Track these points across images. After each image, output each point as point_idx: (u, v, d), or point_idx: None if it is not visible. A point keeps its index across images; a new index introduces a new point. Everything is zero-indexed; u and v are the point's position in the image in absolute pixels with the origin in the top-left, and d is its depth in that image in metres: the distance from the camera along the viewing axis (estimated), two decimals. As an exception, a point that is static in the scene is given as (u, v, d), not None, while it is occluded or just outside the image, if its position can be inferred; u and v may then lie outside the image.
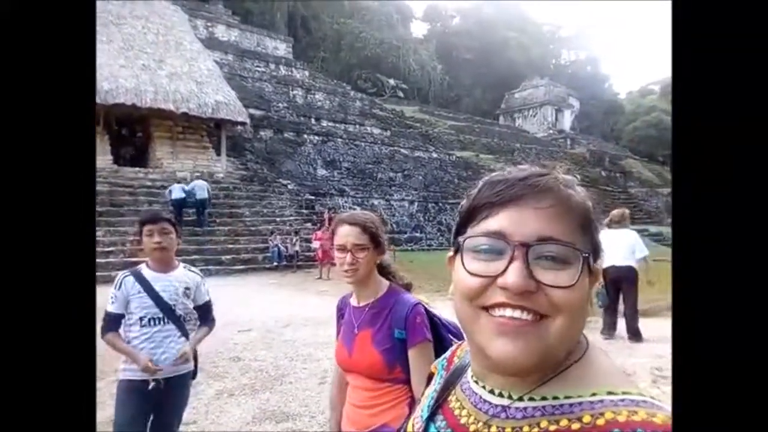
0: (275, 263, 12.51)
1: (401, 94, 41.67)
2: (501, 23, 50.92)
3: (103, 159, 14.23)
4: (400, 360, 1.40)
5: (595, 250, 0.61)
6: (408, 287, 1.57)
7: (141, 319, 2.20)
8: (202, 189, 12.64)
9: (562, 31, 60.05)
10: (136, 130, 15.90)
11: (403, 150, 23.87)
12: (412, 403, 1.37)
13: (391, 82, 41.73)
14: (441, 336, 1.45)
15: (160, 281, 2.23)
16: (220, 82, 16.98)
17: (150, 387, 2.15)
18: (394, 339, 1.40)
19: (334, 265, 10.24)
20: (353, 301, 1.56)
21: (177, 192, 12.33)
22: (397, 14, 47.76)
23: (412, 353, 1.39)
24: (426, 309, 1.46)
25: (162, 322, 2.22)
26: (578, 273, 0.55)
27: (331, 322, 6.69)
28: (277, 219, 14.59)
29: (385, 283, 1.53)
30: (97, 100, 13.47)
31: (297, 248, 12.98)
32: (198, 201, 12.55)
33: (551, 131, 40.35)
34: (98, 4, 17.27)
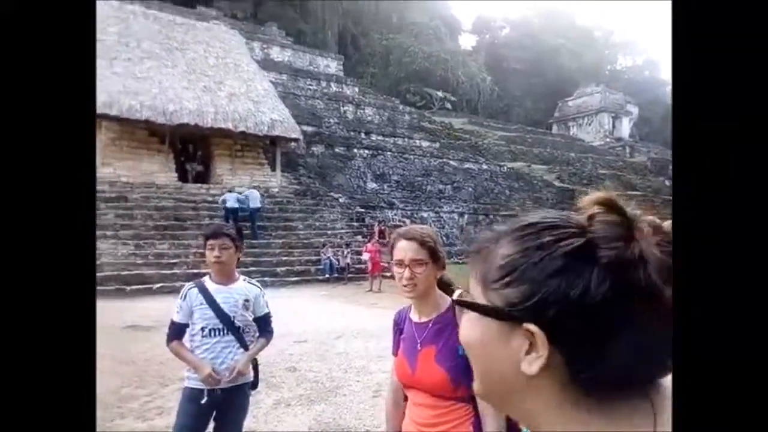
0: (327, 275, 12.73)
1: (450, 107, 41.54)
2: (551, 31, 49.78)
3: (169, 176, 15.16)
4: (465, 378, 1.37)
5: None
6: None
7: (203, 329, 2.29)
8: (255, 198, 13.28)
9: (615, 36, 57.76)
10: (198, 149, 16.84)
11: (452, 162, 23.72)
12: (477, 423, 1.34)
13: (440, 94, 41.74)
14: None
15: (221, 293, 2.31)
16: (275, 101, 17.70)
17: (203, 401, 2.21)
18: (458, 356, 1.37)
19: (384, 277, 10.15)
20: (413, 316, 1.55)
21: (231, 201, 12.97)
22: (446, 28, 47.87)
23: None
24: None
25: (222, 333, 2.29)
26: None
27: (382, 335, 6.69)
28: (329, 232, 14.88)
29: (447, 298, 1.50)
30: (163, 121, 14.44)
31: (348, 260, 13.15)
32: (251, 209, 13.17)
33: (608, 139, 38.68)
34: (165, 31, 18.60)
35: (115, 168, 14.23)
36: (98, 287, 9.93)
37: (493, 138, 32.69)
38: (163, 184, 14.51)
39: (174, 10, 23.41)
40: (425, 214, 20.55)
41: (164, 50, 17.56)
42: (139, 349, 5.92)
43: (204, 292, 2.30)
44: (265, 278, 10.84)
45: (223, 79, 17.45)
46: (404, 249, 1.45)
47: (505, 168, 25.61)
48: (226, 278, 2.36)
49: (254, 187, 14.38)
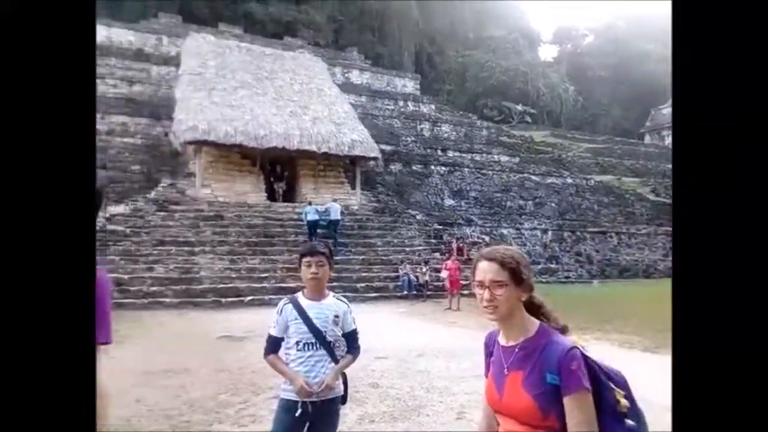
0: (405, 292, 12.78)
1: (530, 120, 40.28)
2: (638, 36, 46.60)
3: (259, 196, 16.24)
4: (554, 407, 1.32)
5: None
6: (564, 330, 1.48)
7: (297, 343, 2.38)
8: (335, 210, 14.14)
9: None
10: (285, 170, 17.89)
11: (533, 177, 22.88)
12: None
13: (519, 108, 40.67)
14: (600, 384, 1.34)
15: (313, 308, 2.41)
16: (355, 122, 18.36)
17: (297, 413, 2.30)
18: (547, 384, 1.33)
19: (463, 295, 9.93)
20: (501, 339, 1.52)
21: (312, 214, 13.89)
22: (524, 40, 46.79)
23: (567, 402, 1.30)
24: (583, 354, 1.37)
25: (314, 347, 2.38)
26: None
27: (463, 355, 6.52)
28: (407, 249, 14.97)
29: (536, 322, 1.45)
30: (254, 145, 15.55)
31: (427, 278, 13.11)
32: (331, 221, 14.02)
33: (712, 148, 35.03)
34: (256, 62, 20.14)
35: (213, 189, 15.53)
36: (197, 299, 10.83)
37: (578, 150, 31.09)
38: (254, 203, 15.56)
39: (264, 42, 25.34)
40: (505, 231, 19.94)
41: (255, 79, 19.01)
42: (233, 358, 6.33)
43: (298, 307, 2.41)
44: (346, 294, 11.15)
45: (308, 103, 18.47)
46: (484, 270, 1.43)
47: (593, 182, 24.17)
48: (318, 294, 2.46)
49: (334, 200, 15.12)
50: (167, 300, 10.54)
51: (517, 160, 24.13)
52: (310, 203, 14.63)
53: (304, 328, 2.38)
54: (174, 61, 20.41)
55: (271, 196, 16.73)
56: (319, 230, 13.98)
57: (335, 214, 14.08)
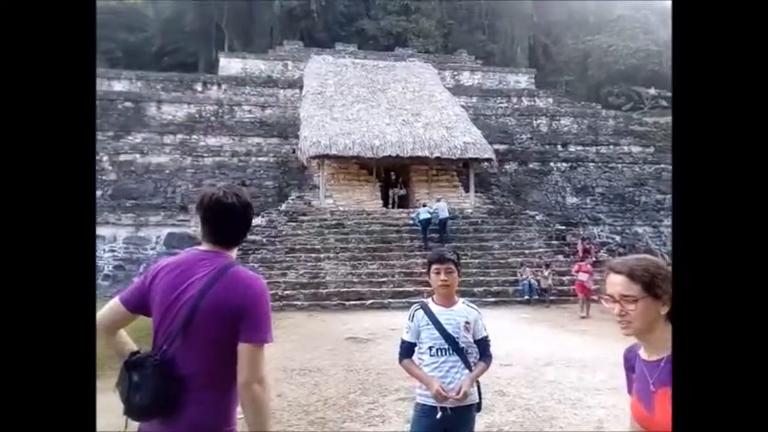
0: (526, 297, 12.24)
1: (665, 103, 35.79)
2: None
3: (375, 203, 16.93)
4: None
5: None
6: None
7: (430, 348, 2.44)
8: (443, 210, 14.48)
9: None
10: (399, 176, 18.39)
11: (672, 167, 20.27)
12: None
13: (651, 92, 36.36)
14: None
15: (444, 314, 2.45)
16: (467, 125, 18.18)
17: (438, 416, 2.34)
18: None
19: (594, 301, 9.21)
20: (643, 354, 1.42)
21: (423, 214, 14.33)
22: (656, 17, 41.87)
23: None
24: None
25: (447, 353, 2.41)
26: None
27: (598, 366, 6.08)
28: (526, 251, 14.34)
29: None
30: (370, 155, 16.26)
31: (549, 282, 12.40)
32: (441, 219, 14.36)
33: None
34: (370, 75, 21.06)
35: (335, 199, 16.59)
36: (324, 302, 11.65)
37: (730, 134, 26.74)
38: (372, 211, 16.26)
39: (377, 56, 26.41)
40: (640, 229, 17.99)
41: (370, 92, 19.91)
42: (360, 358, 6.69)
43: (429, 313, 2.47)
44: (463, 298, 11.04)
45: (420, 110, 18.78)
46: (614, 283, 1.35)
47: (751, 170, 20.61)
48: (448, 301, 2.50)
49: (438, 199, 15.28)
50: (299, 303, 11.51)
51: (651, 149, 21.63)
52: (424, 205, 14.98)
53: (437, 333, 2.42)
54: (298, 83, 22.30)
55: (387, 202, 17.31)
56: (430, 229, 14.39)
57: (443, 213, 14.37)
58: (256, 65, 25.52)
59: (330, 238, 14.35)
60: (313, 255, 13.58)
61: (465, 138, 17.16)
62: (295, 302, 11.48)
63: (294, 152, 18.60)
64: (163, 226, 14.80)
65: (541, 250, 14.51)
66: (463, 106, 20.58)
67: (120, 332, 1.71)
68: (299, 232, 14.66)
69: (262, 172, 18.62)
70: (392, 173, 18.08)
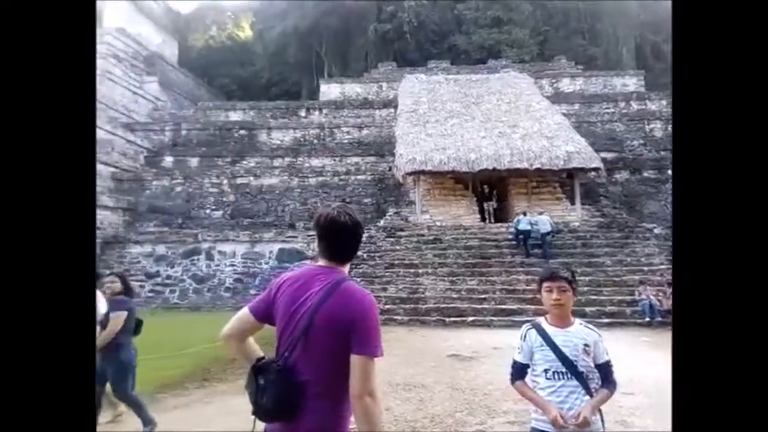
0: (647, 318, 11.08)
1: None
2: None
3: (473, 218, 16.65)
4: None
5: None
6: None
7: (545, 371, 2.30)
8: (544, 223, 13.81)
9: None
10: (495, 190, 17.93)
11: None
12: None
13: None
14: None
15: (559, 336, 2.31)
16: (569, 133, 17.23)
17: None
18: None
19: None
20: None
21: (523, 224, 13.82)
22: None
23: None
24: None
25: (566, 377, 2.26)
26: None
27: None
28: (645, 268, 13.04)
29: None
30: (466, 169, 16.08)
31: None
32: (542, 233, 13.70)
33: None
34: (463, 90, 20.98)
35: (431, 214, 16.63)
36: (424, 317, 11.63)
37: None
38: (469, 225, 16.00)
39: (469, 69, 26.27)
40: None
41: (463, 107, 19.81)
42: (464, 377, 6.54)
43: (542, 333, 2.34)
44: (580, 319, 10.31)
45: (516, 121, 18.23)
46: None
47: None
48: (563, 321, 2.35)
49: (540, 213, 14.61)
50: (399, 317, 11.63)
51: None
52: (524, 213, 14.46)
53: (552, 355, 2.29)
54: (393, 103, 22.95)
55: (484, 217, 16.94)
56: (531, 244, 13.82)
57: (544, 227, 13.73)
58: (353, 89, 26.79)
59: (428, 254, 14.36)
60: (412, 270, 13.67)
61: (568, 147, 16.26)
62: (396, 317, 11.62)
63: (390, 169, 19.07)
64: (274, 242, 15.98)
65: (662, 266, 13.10)
66: (564, 114, 19.58)
67: (249, 339, 1.84)
68: (397, 247, 14.89)
69: (360, 189, 19.32)
70: (485, 187, 17.68)
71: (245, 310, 1.82)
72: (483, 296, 12.36)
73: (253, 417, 1.71)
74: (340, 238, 1.78)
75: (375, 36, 31.95)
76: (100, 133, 19.52)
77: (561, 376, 2.28)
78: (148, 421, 4.34)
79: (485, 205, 17.22)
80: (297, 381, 1.64)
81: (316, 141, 22.26)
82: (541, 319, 2.46)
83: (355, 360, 1.60)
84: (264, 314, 1.80)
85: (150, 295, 15.53)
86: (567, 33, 33.94)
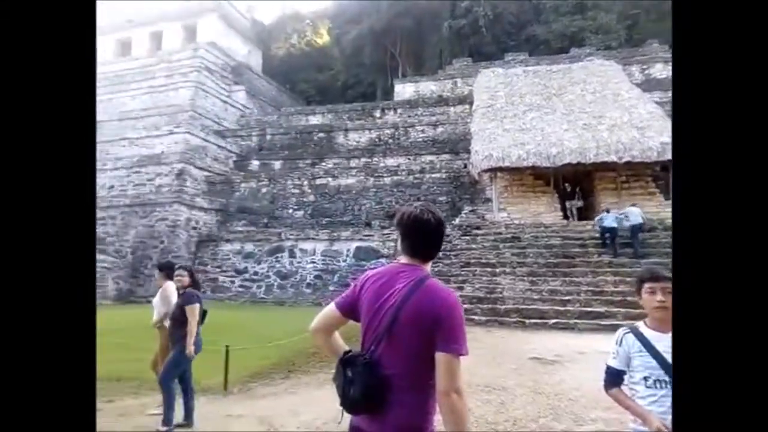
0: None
1: None
2: None
3: (554, 215, 15.88)
4: None
5: None
6: None
7: (645, 379, 2.15)
8: (635, 215, 12.90)
9: None
10: (579, 186, 16.95)
11: None
12: None
13: None
14: None
15: (662, 341, 2.13)
16: (663, 123, 15.82)
17: None
18: None
19: None
20: None
21: (609, 220, 13.01)
22: None
23: None
24: None
25: (668, 386, 2.08)
26: None
27: None
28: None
29: None
30: (547, 164, 15.37)
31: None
32: (633, 226, 12.81)
33: None
34: (543, 81, 20.07)
35: (509, 212, 16.13)
36: (502, 318, 11.31)
37: None
38: (550, 223, 15.29)
39: (550, 60, 25.07)
40: None
41: (544, 99, 18.95)
42: (547, 381, 6.27)
43: (641, 338, 2.18)
44: (671, 324, 9.46)
45: (603, 112, 17.09)
46: None
47: None
48: (665, 325, 2.15)
49: (633, 204, 13.69)
50: (476, 317, 11.42)
51: None
52: (607, 211, 13.58)
53: (653, 362, 2.12)
54: (468, 99, 22.56)
55: (566, 214, 16.09)
56: (621, 243, 12.96)
57: (635, 218, 12.80)
58: (427, 87, 26.72)
59: (506, 252, 13.95)
60: (489, 269, 13.36)
61: (662, 138, 14.94)
62: (473, 317, 11.43)
63: (465, 167, 18.77)
64: (351, 240, 16.44)
65: None
66: (657, 103, 18.01)
67: (335, 333, 1.91)
68: (473, 246, 14.62)
69: (435, 188, 19.24)
70: (567, 184, 16.76)
71: (331, 306, 1.89)
72: (566, 298, 11.76)
73: (340, 408, 1.77)
74: (423, 236, 1.80)
75: (449, 32, 31.57)
76: (195, 140, 21.31)
77: (663, 385, 2.10)
78: (168, 421, 4.41)
79: (567, 203, 16.36)
80: (383, 374, 1.68)
81: (390, 141, 22.52)
82: (639, 323, 2.29)
83: (440, 357, 1.62)
84: (349, 310, 1.86)
85: (240, 289, 16.68)
86: (659, 15, 31.12)
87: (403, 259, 1.84)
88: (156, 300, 5.19)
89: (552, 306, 11.47)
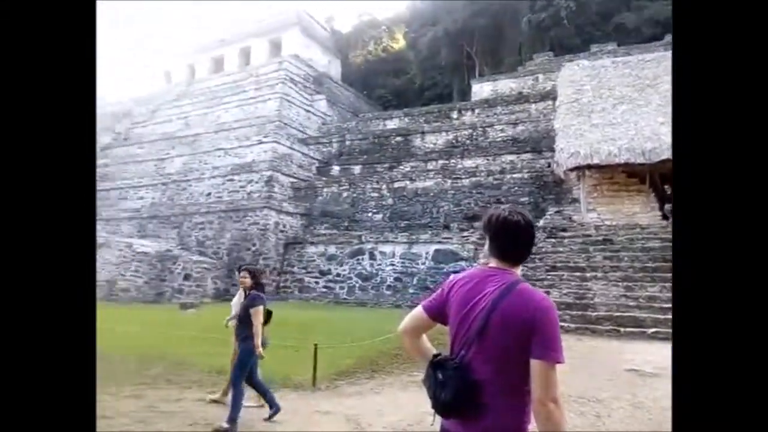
0: None
1: None
2: None
3: (651, 216, 14.66)
4: None
5: None
6: None
7: None
8: None
9: None
10: (681, 183, 15.52)
11: None
12: None
13: None
14: None
15: None
16: (783, 109, 13.99)
17: None
18: None
19: None
20: None
21: None
22: None
23: None
24: None
25: None
26: None
27: None
28: None
29: None
30: (642, 161, 14.25)
31: None
32: None
33: None
34: (635, 72, 18.63)
35: (599, 213, 15.17)
36: (593, 326, 10.66)
37: None
38: (647, 225, 14.15)
39: (641, 49, 23.24)
40: None
41: (636, 91, 17.58)
42: (648, 395, 5.83)
43: None
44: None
45: (707, 101, 15.50)
46: None
47: None
48: None
49: None
50: (565, 324, 10.87)
51: None
52: None
53: None
54: (550, 95, 21.59)
55: (665, 214, 14.76)
56: None
57: None
58: (506, 85, 25.97)
59: (596, 256, 13.13)
60: (578, 274, 12.66)
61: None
62: (561, 323, 10.80)
63: (549, 166, 17.96)
64: (430, 243, 16.43)
65: None
66: (775, 87, 15.96)
67: (423, 336, 1.92)
68: (560, 249, 13.94)
69: (516, 188, 18.63)
70: (665, 187, 15.36)
71: (419, 309, 1.90)
72: (667, 305, 10.80)
73: (432, 411, 1.78)
74: (512, 239, 1.78)
75: (529, 27, 30.44)
76: (282, 149, 22.59)
77: None
78: (231, 419, 4.44)
79: (666, 206, 15.02)
80: (474, 378, 1.67)
81: (468, 141, 22.18)
82: None
83: (535, 365, 1.58)
84: (436, 313, 1.86)
85: (324, 290, 17.37)
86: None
87: (492, 263, 1.82)
88: (235, 300, 5.55)
89: (650, 314, 10.60)
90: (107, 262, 17.44)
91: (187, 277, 16.85)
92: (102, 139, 30.17)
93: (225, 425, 4.37)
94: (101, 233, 20.04)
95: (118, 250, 17.58)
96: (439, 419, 1.80)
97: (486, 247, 1.92)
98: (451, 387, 1.68)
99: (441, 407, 1.73)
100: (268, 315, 4.91)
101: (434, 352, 1.88)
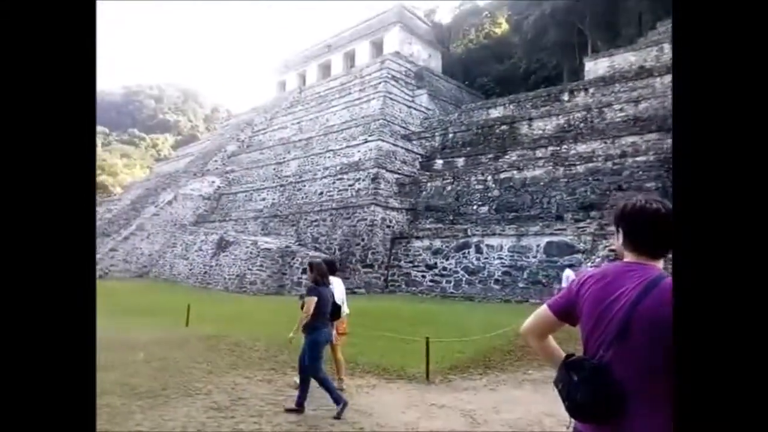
0: None
1: None
2: None
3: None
4: None
5: None
6: None
7: None
8: None
9: None
10: None
11: None
12: None
13: None
14: None
15: None
16: None
17: None
18: None
19: None
20: None
21: None
22: None
23: None
24: None
25: None
26: None
27: None
28: None
29: None
30: None
31: None
32: None
33: None
34: None
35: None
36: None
37: None
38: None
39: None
40: None
41: None
42: None
43: None
44: None
45: None
46: None
47: None
48: None
49: None
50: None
51: None
52: None
53: None
54: (679, 65, 19.13)
55: None
56: None
57: None
58: (625, 59, 23.61)
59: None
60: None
61: None
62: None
63: (680, 146, 15.94)
64: (541, 235, 15.63)
65: None
66: None
67: (549, 337, 1.81)
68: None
69: (640, 173, 16.87)
70: None
71: (544, 308, 1.80)
72: None
73: (568, 416, 1.68)
74: (650, 229, 1.61)
75: (651, -9, 27.24)
76: (386, 146, 23.21)
77: None
78: (337, 400, 4.59)
79: None
80: (613, 381, 1.55)
81: (582, 125, 20.60)
82: None
83: None
84: (564, 313, 1.76)
85: (430, 284, 17.51)
86: None
87: (628, 257, 1.67)
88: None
89: None
90: (237, 258, 19.55)
91: (304, 271, 18.19)
92: (229, 147, 33.79)
93: (292, 406, 4.75)
94: (230, 232, 22.51)
95: (245, 247, 19.60)
96: (573, 425, 1.70)
97: (619, 241, 1.78)
98: (589, 388, 1.57)
99: (575, 409, 1.63)
100: (335, 309, 5.04)
101: (562, 353, 1.77)
